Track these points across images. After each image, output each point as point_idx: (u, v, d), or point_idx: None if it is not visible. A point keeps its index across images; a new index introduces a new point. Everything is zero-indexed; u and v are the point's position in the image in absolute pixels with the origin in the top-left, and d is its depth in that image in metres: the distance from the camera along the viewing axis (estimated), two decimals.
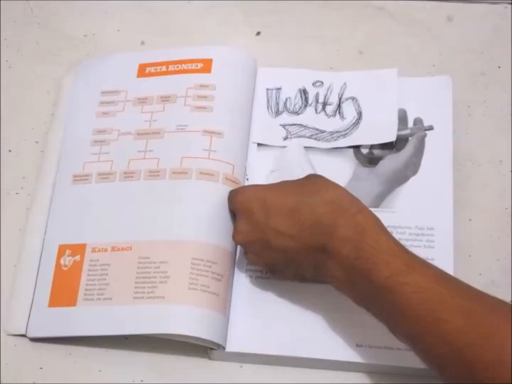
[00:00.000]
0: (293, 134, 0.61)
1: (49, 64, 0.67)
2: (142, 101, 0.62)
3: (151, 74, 0.63)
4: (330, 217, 0.47)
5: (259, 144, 0.61)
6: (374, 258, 0.45)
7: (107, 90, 0.63)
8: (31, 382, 0.53)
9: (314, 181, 0.51)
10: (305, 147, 0.60)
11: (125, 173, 0.59)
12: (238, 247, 0.56)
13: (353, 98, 0.62)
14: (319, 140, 0.60)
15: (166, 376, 0.53)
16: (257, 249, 0.52)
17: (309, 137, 0.61)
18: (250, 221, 0.51)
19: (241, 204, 0.52)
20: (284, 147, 0.60)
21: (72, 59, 0.67)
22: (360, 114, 0.62)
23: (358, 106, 0.62)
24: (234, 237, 0.53)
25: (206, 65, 0.63)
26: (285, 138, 0.61)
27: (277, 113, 0.63)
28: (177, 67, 0.63)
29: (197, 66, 0.63)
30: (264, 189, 0.52)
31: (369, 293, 0.45)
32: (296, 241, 0.49)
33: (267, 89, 0.64)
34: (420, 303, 0.43)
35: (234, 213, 0.55)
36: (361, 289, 0.46)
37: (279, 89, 0.64)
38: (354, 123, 0.61)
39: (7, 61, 0.67)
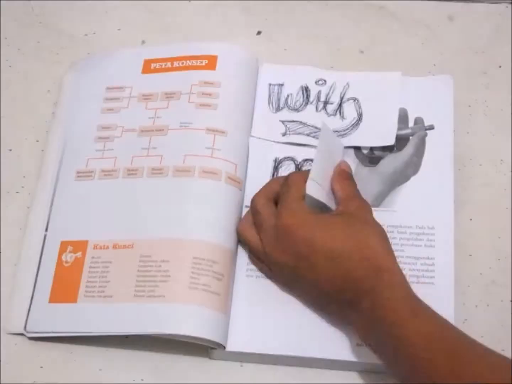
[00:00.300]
0: (291, 131, 0.61)
1: (49, 63, 0.67)
2: (147, 97, 0.62)
3: (156, 70, 0.63)
4: (360, 272, 0.49)
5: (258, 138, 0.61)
6: (386, 306, 0.47)
7: (112, 86, 0.63)
8: (31, 382, 0.53)
9: (360, 227, 0.51)
10: (302, 144, 0.61)
11: (128, 170, 0.59)
12: (239, 247, 0.56)
13: (354, 99, 0.62)
14: (317, 138, 0.60)
15: (166, 376, 0.53)
16: (284, 271, 0.52)
17: (308, 135, 0.61)
18: (289, 247, 0.51)
19: (289, 226, 0.51)
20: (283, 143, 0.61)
21: (72, 58, 0.67)
22: (360, 116, 0.62)
23: (359, 107, 0.62)
24: (266, 251, 0.53)
25: (211, 62, 0.63)
26: (284, 134, 0.61)
27: (278, 109, 0.63)
28: (182, 63, 0.63)
29: (202, 62, 0.63)
30: (315, 223, 0.51)
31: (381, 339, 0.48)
32: (328, 285, 0.50)
33: (270, 84, 0.64)
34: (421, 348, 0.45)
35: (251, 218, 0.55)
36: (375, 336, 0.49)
37: (281, 85, 0.64)
38: (353, 124, 0.61)
39: (7, 60, 0.67)
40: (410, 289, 0.49)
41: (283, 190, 0.54)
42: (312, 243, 0.50)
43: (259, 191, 0.56)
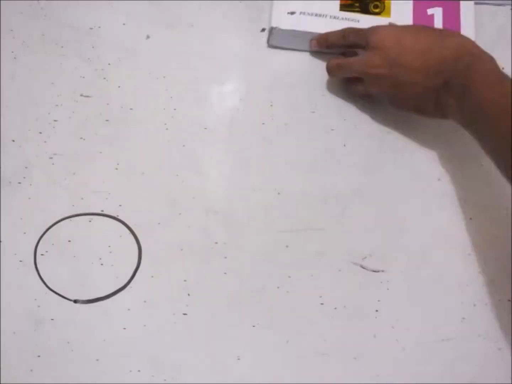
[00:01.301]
0: None
1: (54, 56, 0.67)
2: None
3: None
4: (454, 56, 0.54)
5: None
6: (480, 78, 0.52)
7: None
8: (29, 369, 0.53)
9: (437, 30, 0.59)
10: None
11: None
12: None
13: None
14: None
15: None
16: (382, 83, 0.59)
17: None
18: (382, 57, 0.58)
19: (377, 41, 0.58)
20: None
21: (77, 52, 0.67)
22: None
23: None
24: (361, 66, 0.60)
25: None
26: None
27: None
28: None
29: None
30: (399, 29, 0.59)
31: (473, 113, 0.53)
32: (423, 77, 0.56)
33: None
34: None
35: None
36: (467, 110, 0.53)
37: None
38: None
39: (12, 52, 0.67)
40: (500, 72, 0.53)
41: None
42: (400, 45, 0.57)
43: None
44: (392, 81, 0.58)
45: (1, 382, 0.53)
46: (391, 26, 0.62)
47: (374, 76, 0.59)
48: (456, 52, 0.54)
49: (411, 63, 0.56)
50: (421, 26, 0.60)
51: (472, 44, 0.55)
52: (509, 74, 0.62)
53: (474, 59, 0.54)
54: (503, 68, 0.54)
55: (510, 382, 0.53)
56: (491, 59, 0.54)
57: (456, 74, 0.53)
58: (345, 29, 0.63)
